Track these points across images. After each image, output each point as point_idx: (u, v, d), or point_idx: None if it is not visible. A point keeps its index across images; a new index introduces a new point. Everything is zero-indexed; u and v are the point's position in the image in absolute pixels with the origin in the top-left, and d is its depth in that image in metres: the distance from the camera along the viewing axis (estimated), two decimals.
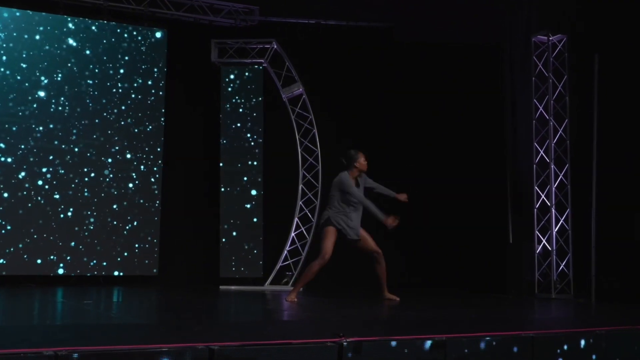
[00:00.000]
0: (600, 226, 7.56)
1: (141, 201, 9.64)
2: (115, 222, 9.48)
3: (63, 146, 9.30)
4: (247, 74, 9.97)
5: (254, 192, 9.77)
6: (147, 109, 9.76)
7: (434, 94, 10.46)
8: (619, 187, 7.74)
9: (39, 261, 9.05)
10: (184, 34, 10.15)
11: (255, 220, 9.72)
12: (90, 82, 9.50)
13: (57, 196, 9.21)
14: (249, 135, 9.84)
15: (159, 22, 9.96)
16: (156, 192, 9.70)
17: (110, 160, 9.52)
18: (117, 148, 9.57)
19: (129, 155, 9.63)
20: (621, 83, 7.83)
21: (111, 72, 9.62)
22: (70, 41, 9.45)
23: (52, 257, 9.12)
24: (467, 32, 9.88)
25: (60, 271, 9.16)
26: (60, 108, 9.31)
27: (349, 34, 10.58)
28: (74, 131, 9.36)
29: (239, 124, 9.86)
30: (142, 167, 9.68)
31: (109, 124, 9.55)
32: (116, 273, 9.46)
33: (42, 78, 9.25)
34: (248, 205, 9.74)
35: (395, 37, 10.56)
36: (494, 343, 4.25)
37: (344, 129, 10.58)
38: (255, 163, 9.81)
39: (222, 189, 9.71)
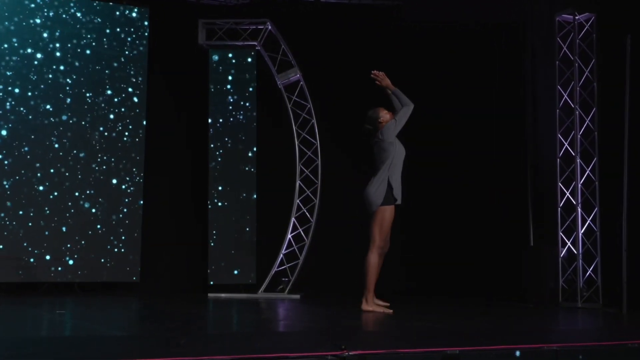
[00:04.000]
0: (632, 227, 7.54)
1: (122, 200, 9.63)
2: (92, 224, 9.46)
3: (34, 146, 9.32)
4: (238, 58, 9.94)
5: (245, 190, 9.75)
6: (127, 99, 9.76)
7: (445, 79, 10.45)
8: None
9: (4, 268, 9.03)
10: (168, 13, 10.13)
11: (247, 220, 9.71)
12: (61, 77, 9.51)
13: (24, 199, 9.22)
14: (240, 126, 9.82)
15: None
16: (138, 188, 9.70)
17: (88, 159, 9.54)
18: (94, 147, 9.60)
19: (109, 151, 9.63)
20: None
21: (84, 58, 9.63)
22: (40, 29, 9.45)
23: (21, 262, 9.10)
24: (483, 11, 9.85)
25: (31, 279, 9.15)
26: (30, 103, 9.31)
27: (352, 13, 10.56)
28: (55, 132, 9.39)
29: (228, 113, 9.84)
30: (123, 161, 9.68)
31: (85, 120, 9.56)
32: (93, 280, 9.45)
33: (11, 87, 9.27)
34: (239, 204, 9.72)
35: (403, 16, 10.54)
36: (513, 357, 4.25)
37: (346, 119, 10.57)
38: (247, 157, 9.79)
39: (211, 186, 9.69)
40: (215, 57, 9.89)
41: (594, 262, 8.24)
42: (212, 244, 9.61)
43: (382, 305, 7.06)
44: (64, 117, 9.47)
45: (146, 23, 9.97)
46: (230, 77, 9.90)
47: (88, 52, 9.67)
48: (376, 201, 7.04)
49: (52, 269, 9.23)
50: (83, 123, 9.57)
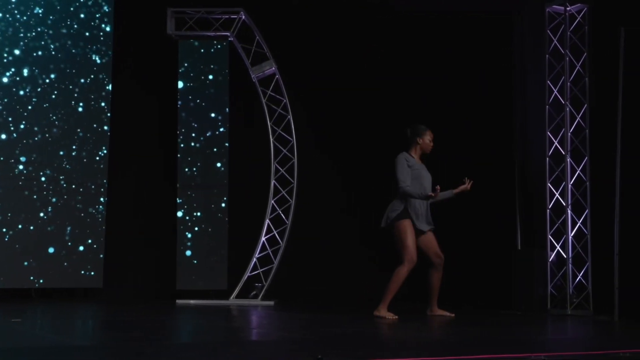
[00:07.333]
0: (625, 230, 7.59)
1: (85, 202, 9.56)
2: (50, 226, 9.40)
3: None
4: (209, 49, 9.92)
5: (217, 190, 9.73)
6: (92, 88, 9.71)
7: (429, 73, 10.46)
8: None
9: None
10: (134, 1, 10.09)
11: (218, 222, 9.69)
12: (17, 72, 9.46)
13: None
14: (211, 121, 9.80)
15: None
16: (102, 190, 9.65)
17: (48, 157, 9.47)
18: (56, 139, 9.54)
19: (71, 147, 9.57)
20: None
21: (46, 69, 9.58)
22: None
23: None
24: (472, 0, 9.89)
25: None
26: None
27: (331, 2, 10.55)
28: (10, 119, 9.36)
29: (199, 109, 9.81)
30: (84, 159, 9.61)
31: (46, 113, 9.51)
32: (52, 286, 9.39)
33: None
34: (210, 206, 9.70)
35: (388, 5, 10.52)
36: None
37: (325, 115, 10.59)
38: (218, 155, 9.76)
39: (179, 186, 9.66)
40: (185, 50, 9.87)
41: (585, 267, 8.30)
42: (181, 247, 9.57)
43: (444, 314, 7.58)
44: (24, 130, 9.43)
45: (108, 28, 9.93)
46: (199, 72, 9.87)
47: (52, 68, 9.60)
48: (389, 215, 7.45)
49: (7, 272, 9.15)
50: (47, 136, 9.50)
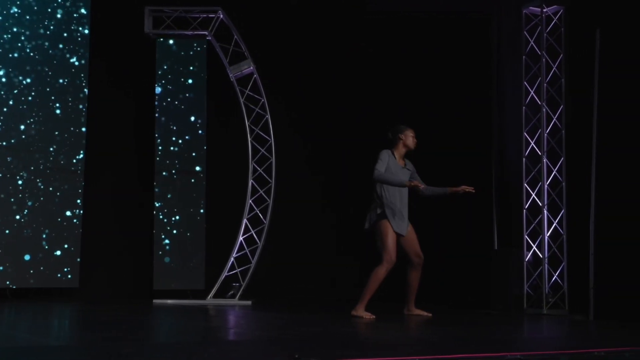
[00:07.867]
0: (600, 230, 7.64)
1: (61, 202, 9.50)
2: (27, 230, 9.31)
3: None
4: (188, 51, 9.90)
5: (194, 190, 9.70)
6: (69, 90, 9.63)
7: (408, 73, 10.48)
8: (623, 185, 7.81)
9: None
10: (111, 1, 10.05)
11: (196, 222, 9.66)
12: None
13: None
14: (189, 121, 9.77)
15: None
16: (78, 189, 9.58)
17: (24, 160, 9.38)
18: (32, 138, 9.45)
19: (48, 150, 9.48)
20: (627, 63, 7.88)
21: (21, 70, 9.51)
22: None
23: None
24: (449, 1, 9.92)
25: None
26: None
27: (311, 3, 10.56)
28: None
29: (176, 108, 9.78)
30: (61, 160, 9.53)
31: (23, 115, 9.43)
32: (27, 286, 9.32)
33: None
34: (188, 205, 9.67)
35: (366, 5, 10.54)
36: None
37: (303, 114, 10.60)
38: (196, 155, 9.74)
39: (157, 188, 9.62)
40: (162, 49, 9.84)
41: (560, 267, 8.35)
42: (159, 252, 9.53)
43: (422, 313, 7.62)
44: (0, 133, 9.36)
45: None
46: (177, 70, 9.84)
47: (28, 69, 9.49)
48: (371, 216, 7.48)
49: None
50: (24, 138, 9.41)
